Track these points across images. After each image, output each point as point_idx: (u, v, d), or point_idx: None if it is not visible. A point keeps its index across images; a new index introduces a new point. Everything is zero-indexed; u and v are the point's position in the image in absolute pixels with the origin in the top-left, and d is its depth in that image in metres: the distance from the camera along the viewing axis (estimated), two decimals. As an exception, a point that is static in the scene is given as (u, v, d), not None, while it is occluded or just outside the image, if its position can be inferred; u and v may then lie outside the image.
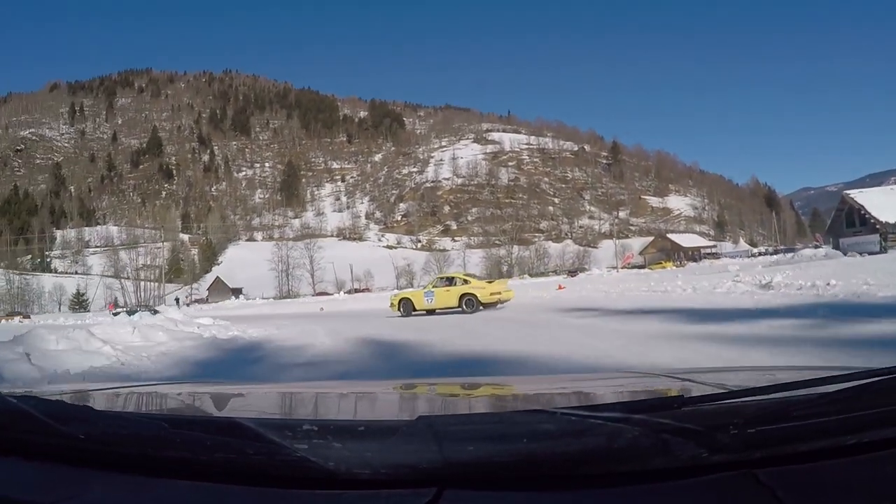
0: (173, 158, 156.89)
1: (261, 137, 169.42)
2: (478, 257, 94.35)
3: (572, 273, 63.07)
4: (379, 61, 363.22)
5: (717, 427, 0.67)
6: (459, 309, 14.50)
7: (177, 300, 65.09)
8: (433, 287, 16.45)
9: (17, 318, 51.54)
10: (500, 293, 15.17)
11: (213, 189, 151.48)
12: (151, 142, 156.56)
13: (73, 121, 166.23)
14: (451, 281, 16.13)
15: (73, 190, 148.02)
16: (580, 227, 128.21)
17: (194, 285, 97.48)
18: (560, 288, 19.28)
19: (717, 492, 0.65)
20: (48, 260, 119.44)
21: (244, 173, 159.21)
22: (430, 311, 15.42)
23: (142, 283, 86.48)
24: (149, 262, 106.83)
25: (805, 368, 1.47)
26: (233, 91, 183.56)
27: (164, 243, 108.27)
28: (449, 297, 15.27)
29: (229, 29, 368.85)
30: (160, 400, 1.50)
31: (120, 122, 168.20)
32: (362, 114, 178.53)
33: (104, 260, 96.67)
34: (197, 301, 75.11)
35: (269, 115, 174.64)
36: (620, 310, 10.24)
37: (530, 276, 74.57)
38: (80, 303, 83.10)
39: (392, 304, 16.96)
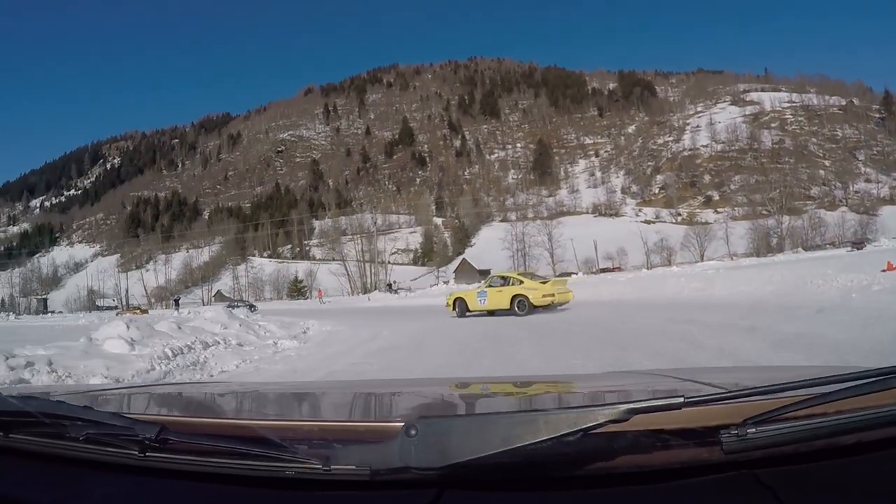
0: (425, 146, 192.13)
1: (510, 119, 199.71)
2: (743, 229, 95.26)
3: (857, 245, 59.99)
4: (624, 31, 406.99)
5: (717, 427, 0.78)
6: (513, 311, 15.61)
7: (177, 301, 71.56)
8: (487, 286, 17.43)
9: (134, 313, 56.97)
10: (553, 295, 15.76)
11: (465, 173, 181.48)
12: (403, 132, 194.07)
13: (327, 120, 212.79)
14: (505, 280, 17.08)
15: (330, 183, 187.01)
16: (856, 191, 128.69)
17: (441, 269, 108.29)
18: (890, 268, 14.37)
19: (717, 492, 0.75)
20: (307, 249, 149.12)
21: (496, 155, 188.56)
22: (491, 312, 16.43)
23: (368, 268, 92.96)
24: (404, 247, 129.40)
25: (806, 368, 1.71)
26: (479, 76, 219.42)
27: (418, 227, 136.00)
28: (501, 298, 16.30)
29: (470, 17, 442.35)
30: (159, 401, 1.68)
31: (372, 116, 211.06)
32: (611, 86, 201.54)
33: (359, 247, 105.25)
34: (404, 287, 78.25)
35: (517, 97, 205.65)
36: None
37: (804, 249, 73.90)
38: (298, 290, 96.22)
39: (448, 303, 18.43)
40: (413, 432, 0.76)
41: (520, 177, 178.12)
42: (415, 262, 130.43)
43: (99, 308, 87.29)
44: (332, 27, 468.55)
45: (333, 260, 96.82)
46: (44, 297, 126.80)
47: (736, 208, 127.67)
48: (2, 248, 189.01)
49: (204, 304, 43.81)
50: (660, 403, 0.80)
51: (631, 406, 0.77)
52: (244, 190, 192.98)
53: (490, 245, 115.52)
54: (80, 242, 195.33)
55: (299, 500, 0.82)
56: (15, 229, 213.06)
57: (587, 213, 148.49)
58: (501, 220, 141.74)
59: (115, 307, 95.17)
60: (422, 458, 0.75)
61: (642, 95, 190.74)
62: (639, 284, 21.06)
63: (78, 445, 0.96)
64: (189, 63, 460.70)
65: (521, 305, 15.83)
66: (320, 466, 0.81)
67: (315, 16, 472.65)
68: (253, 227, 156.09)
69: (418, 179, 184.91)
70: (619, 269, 77.90)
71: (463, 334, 11.48)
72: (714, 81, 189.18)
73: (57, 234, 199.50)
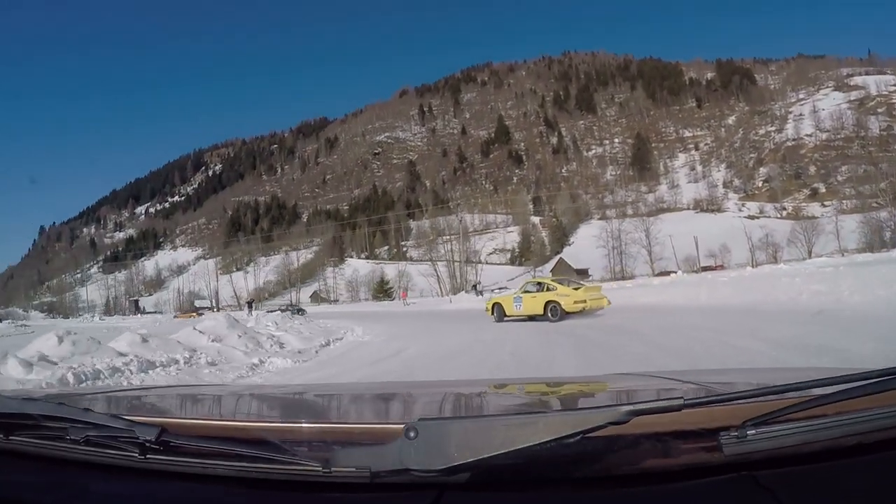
0: (522, 144, 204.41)
1: (607, 113, 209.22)
2: (853, 223, 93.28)
3: None
4: (720, 18, 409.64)
5: (717, 429, 0.83)
6: (545, 317, 16.90)
7: (249, 304, 73.58)
8: (523, 292, 18.90)
9: (190, 316, 61.28)
10: (585, 301, 16.95)
11: (562, 170, 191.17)
12: (499, 131, 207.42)
13: (423, 121, 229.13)
14: (540, 286, 18.63)
15: (427, 184, 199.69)
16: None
17: (538, 268, 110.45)
18: None
19: (717, 494, 0.79)
20: (404, 249, 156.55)
21: (594, 151, 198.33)
22: (531, 317, 17.63)
23: (457, 269, 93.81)
24: (501, 247, 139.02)
25: (805, 370, 1.78)
26: (573, 71, 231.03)
27: (515, 227, 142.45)
28: (535, 303, 17.75)
29: (563, 11, 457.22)
30: (160, 403, 1.77)
31: (467, 116, 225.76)
32: (709, 75, 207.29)
33: (455, 247, 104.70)
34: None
35: (612, 90, 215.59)
36: None
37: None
38: (385, 291, 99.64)
39: (487, 307, 20.42)
40: (413, 434, 0.79)
41: (618, 173, 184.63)
42: (512, 262, 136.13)
43: (197, 309, 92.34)
44: (425, 28, 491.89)
45: (429, 260, 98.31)
46: (135, 298, 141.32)
47: (844, 201, 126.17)
48: (108, 253, 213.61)
49: (289, 307, 48.72)
50: (660, 405, 0.84)
51: (631, 408, 0.81)
52: (342, 193, 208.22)
53: (587, 243, 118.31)
54: (183, 246, 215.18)
55: (299, 502, 0.86)
56: (121, 235, 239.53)
57: (688, 208, 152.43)
58: (600, 218, 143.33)
59: (211, 308, 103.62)
60: (422, 460, 0.78)
61: (741, 84, 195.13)
62: (743, 285, 20.14)
63: (78, 447, 1.01)
64: (287, 70, 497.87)
65: (554, 311, 17.01)
66: (320, 468, 0.84)
67: (408, 17, 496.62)
68: (350, 229, 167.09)
69: (515, 178, 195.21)
70: (722, 267, 77.84)
71: (495, 358, 9.88)
72: (815, 66, 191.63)
73: (161, 239, 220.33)
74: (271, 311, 31.34)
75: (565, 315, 16.81)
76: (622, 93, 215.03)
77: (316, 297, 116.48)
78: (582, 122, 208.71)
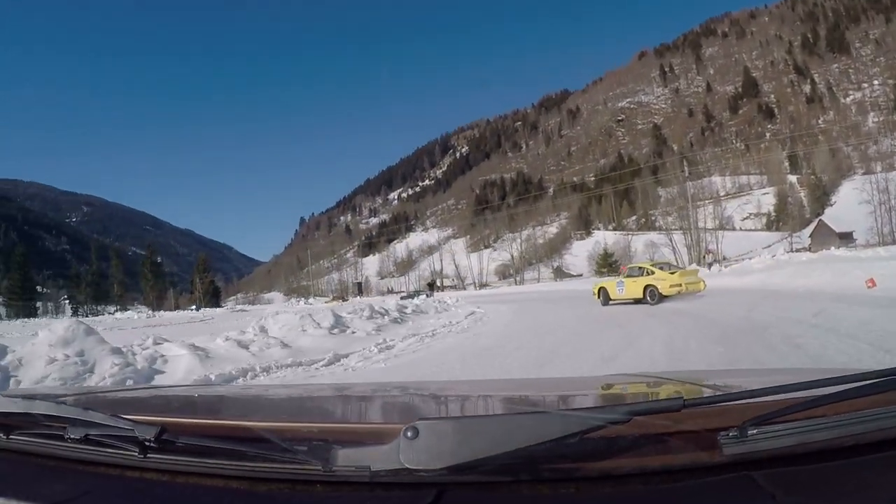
0: (772, 96, 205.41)
1: (863, 53, 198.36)
2: None
3: None
4: None
5: (717, 429, 0.85)
6: (646, 300, 19.18)
7: (430, 285, 74.56)
8: (626, 277, 21.34)
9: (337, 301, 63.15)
10: (681, 285, 19.28)
11: (819, 121, 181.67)
12: (746, 84, 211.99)
13: (665, 82, 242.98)
14: (641, 271, 20.97)
15: (674, 147, 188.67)
16: None
17: (796, 233, 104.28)
18: None
19: (716, 494, 0.80)
20: (652, 218, 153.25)
21: (851, 97, 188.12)
22: (638, 301, 19.81)
23: (700, 237, 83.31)
24: (755, 211, 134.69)
25: (805, 371, 1.89)
26: (819, 10, 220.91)
27: (770, 188, 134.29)
28: (636, 287, 20.04)
29: None
30: (160, 402, 1.82)
31: (711, 71, 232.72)
32: None
33: (708, 212, 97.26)
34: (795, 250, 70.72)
35: (866, 26, 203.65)
36: None
37: None
38: (609, 265, 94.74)
39: (594, 291, 22.99)
40: (413, 434, 0.81)
41: (881, 119, 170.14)
42: (768, 227, 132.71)
43: (430, 288, 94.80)
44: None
45: (680, 229, 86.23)
46: (358, 281, 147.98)
47: None
48: (363, 238, 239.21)
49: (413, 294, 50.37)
50: (659, 405, 0.87)
51: (630, 408, 0.84)
52: (587, 164, 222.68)
53: (851, 202, 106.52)
54: (433, 227, 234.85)
55: (300, 501, 0.88)
56: (375, 220, 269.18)
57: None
58: (864, 173, 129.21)
59: (454, 286, 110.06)
60: (422, 459, 0.80)
61: None
62: None
63: (79, 447, 1.05)
64: (527, 46, 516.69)
65: (652, 295, 19.15)
66: (320, 468, 0.87)
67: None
68: (596, 200, 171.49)
69: (767, 134, 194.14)
70: None
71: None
72: None
73: (412, 222, 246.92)
74: (405, 297, 34.80)
75: (663, 298, 18.88)
76: (876, 28, 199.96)
77: (559, 273, 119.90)
78: (836, 65, 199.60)
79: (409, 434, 0.81)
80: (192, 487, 0.94)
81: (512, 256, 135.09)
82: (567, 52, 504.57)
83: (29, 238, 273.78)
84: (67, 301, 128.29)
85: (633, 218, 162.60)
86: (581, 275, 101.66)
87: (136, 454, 0.99)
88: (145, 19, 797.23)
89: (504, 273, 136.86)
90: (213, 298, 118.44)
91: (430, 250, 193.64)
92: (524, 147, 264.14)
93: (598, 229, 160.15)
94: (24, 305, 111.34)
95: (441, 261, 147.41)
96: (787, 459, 0.84)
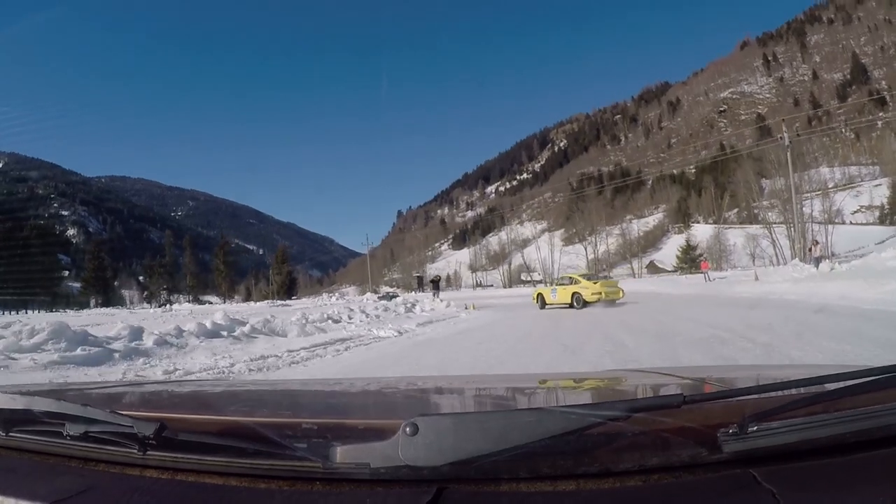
0: (883, 83, 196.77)
1: None
2: None
3: None
4: None
5: (717, 426, 0.85)
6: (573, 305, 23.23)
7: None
8: (558, 285, 25.67)
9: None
10: (601, 293, 23.18)
11: None
12: (854, 71, 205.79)
13: (768, 71, 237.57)
14: (570, 280, 25.30)
15: (779, 137, 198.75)
16: None
17: None
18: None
19: (717, 491, 0.81)
20: (755, 211, 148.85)
21: None
22: (570, 305, 23.92)
23: (803, 231, 73.35)
24: (867, 204, 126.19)
25: (805, 367, 1.93)
26: None
27: (883, 179, 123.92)
28: (566, 294, 24.29)
29: None
30: (159, 398, 1.82)
31: (817, 59, 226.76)
32: None
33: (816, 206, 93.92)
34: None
35: None
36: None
37: None
38: (690, 259, 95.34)
39: (534, 297, 27.10)
40: (413, 430, 0.82)
41: None
42: (881, 221, 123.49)
43: (524, 282, 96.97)
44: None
45: (783, 222, 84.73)
46: (418, 275, 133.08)
47: None
48: (457, 231, 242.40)
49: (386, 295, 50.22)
50: (659, 402, 0.89)
51: (630, 404, 0.86)
52: (688, 156, 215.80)
53: None
54: (529, 221, 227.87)
55: (299, 498, 0.88)
56: (470, 214, 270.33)
57: None
58: None
59: (541, 281, 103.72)
60: (422, 455, 0.81)
61: None
62: None
63: (78, 443, 1.05)
64: (627, 38, 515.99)
65: (578, 300, 23.15)
66: (320, 464, 0.88)
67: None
68: (696, 192, 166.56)
69: (879, 122, 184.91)
70: None
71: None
72: None
73: (507, 215, 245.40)
74: (382, 298, 34.70)
75: (586, 304, 22.89)
76: None
77: (652, 268, 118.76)
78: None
79: (408, 430, 0.82)
80: (192, 484, 0.95)
81: (592, 251, 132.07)
82: (668, 43, 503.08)
83: (134, 231, 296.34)
84: (165, 290, 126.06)
85: (735, 211, 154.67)
86: (675, 271, 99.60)
87: (136, 451, 0.99)
88: (251, 14, 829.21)
89: (597, 268, 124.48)
90: (289, 290, 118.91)
91: (523, 243, 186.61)
92: (623, 140, 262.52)
93: (698, 222, 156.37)
94: (101, 294, 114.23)
95: (539, 251, 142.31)
96: (787, 456, 0.84)
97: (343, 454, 0.87)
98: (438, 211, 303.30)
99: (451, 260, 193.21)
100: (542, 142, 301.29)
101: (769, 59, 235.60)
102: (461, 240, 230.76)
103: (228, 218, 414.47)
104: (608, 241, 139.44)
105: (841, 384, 0.87)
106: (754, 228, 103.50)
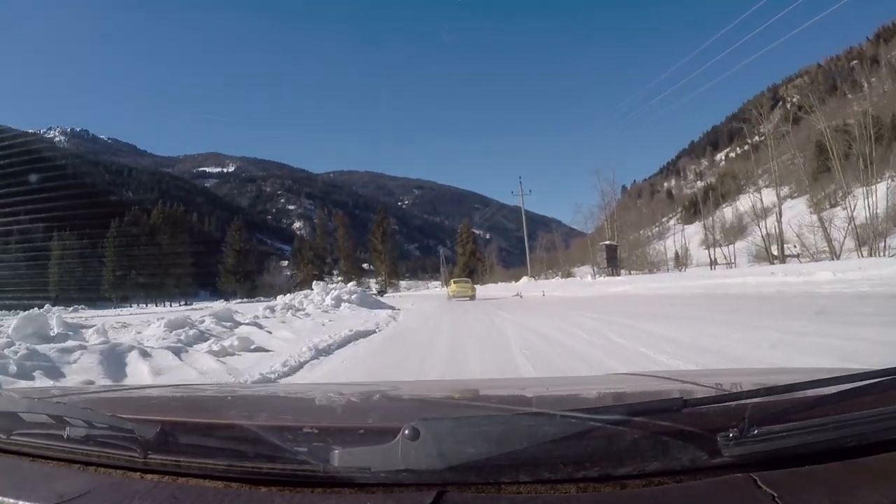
0: None
1: None
2: None
3: None
4: None
5: (717, 429, 0.86)
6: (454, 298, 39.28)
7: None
8: (454, 282, 43.46)
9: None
10: (458, 291, 39.57)
11: None
12: None
13: None
14: (456, 282, 43.58)
15: None
16: None
17: None
18: None
19: (717, 494, 0.81)
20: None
21: None
22: (472, 297, 38.67)
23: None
24: None
25: (805, 370, 1.86)
26: None
27: None
28: (451, 290, 41.11)
29: None
30: (160, 402, 1.84)
31: None
32: None
33: None
34: None
35: None
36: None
37: None
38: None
39: (448, 291, 42.61)
40: (413, 434, 0.83)
41: None
42: None
43: (774, 258, 76.13)
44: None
45: None
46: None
47: None
48: (686, 203, 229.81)
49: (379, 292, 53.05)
50: (659, 405, 0.89)
51: (630, 408, 0.86)
52: None
53: None
54: (767, 187, 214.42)
55: (300, 501, 0.88)
56: (700, 184, 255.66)
57: None
58: None
59: (798, 255, 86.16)
60: (422, 459, 0.82)
61: None
62: None
63: (79, 446, 1.06)
64: None
65: (448, 296, 39.78)
66: (320, 468, 0.88)
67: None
68: None
69: None
70: None
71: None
72: None
73: (742, 182, 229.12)
74: (374, 295, 38.07)
75: (451, 298, 37.61)
76: None
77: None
78: None
79: (409, 434, 0.82)
80: (193, 487, 0.95)
81: (849, 218, 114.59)
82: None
83: (359, 220, 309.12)
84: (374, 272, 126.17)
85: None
86: None
87: (137, 454, 1.00)
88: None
89: (864, 236, 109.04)
90: (471, 273, 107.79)
91: (764, 213, 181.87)
92: (866, 86, 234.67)
93: None
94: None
95: (779, 222, 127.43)
96: (788, 460, 0.84)
97: (343, 458, 0.88)
98: (665, 184, 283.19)
99: (678, 237, 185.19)
100: (772, 101, 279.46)
101: None
102: (692, 213, 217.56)
103: (453, 204, 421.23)
104: (870, 203, 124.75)
105: (842, 387, 0.89)
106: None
